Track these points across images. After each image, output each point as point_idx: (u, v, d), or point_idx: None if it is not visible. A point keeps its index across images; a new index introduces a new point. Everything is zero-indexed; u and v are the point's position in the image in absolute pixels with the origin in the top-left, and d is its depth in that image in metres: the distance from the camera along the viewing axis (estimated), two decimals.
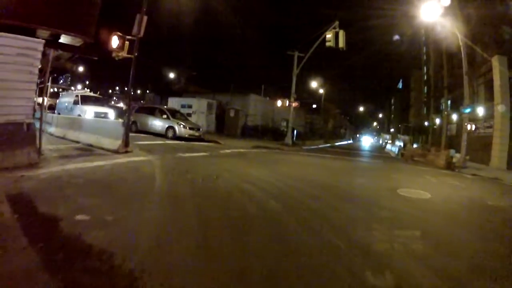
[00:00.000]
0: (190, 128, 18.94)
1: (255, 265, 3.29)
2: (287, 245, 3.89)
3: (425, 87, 50.47)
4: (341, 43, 21.50)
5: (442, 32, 27.51)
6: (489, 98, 27.42)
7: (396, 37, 44.20)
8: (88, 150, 9.66)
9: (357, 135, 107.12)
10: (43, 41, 7.16)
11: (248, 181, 7.75)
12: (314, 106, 53.76)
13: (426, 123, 48.13)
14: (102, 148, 10.04)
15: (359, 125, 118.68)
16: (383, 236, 4.62)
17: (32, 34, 7.63)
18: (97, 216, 4.20)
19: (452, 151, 23.64)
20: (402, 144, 39.14)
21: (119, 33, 9.72)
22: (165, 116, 19.26)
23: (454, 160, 20.88)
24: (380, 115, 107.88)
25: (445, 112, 36.67)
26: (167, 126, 18.83)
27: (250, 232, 4.25)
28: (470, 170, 18.71)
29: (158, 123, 19.15)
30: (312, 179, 9.25)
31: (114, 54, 9.82)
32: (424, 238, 4.74)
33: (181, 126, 18.55)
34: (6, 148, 6.27)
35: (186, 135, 18.45)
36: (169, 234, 3.96)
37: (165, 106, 23.01)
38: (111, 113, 18.93)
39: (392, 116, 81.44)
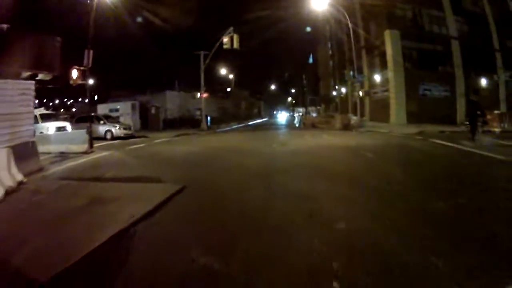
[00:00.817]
0: (124, 129, 22.57)
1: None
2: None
3: (331, 61, 56.32)
4: (236, 45, 26.55)
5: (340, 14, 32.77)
6: (385, 66, 32.51)
7: (308, 29, 50.35)
8: (64, 156, 12.03)
9: (274, 112, 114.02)
10: (34, 82, 10.78)
11: (178, 151, 13.81)
12: (229, 89, 57.62)
13: (334, 93, 54.17)
14: (74, 153, 12.58)
15: (274, 102, 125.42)
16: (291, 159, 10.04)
17: (17, 75, 11.21)
18: (111, 173, 8.67)
19: (350, 115, 28.75)
20: (301, 114, 44.90)
21: (76, 67, 13.35)
22: (102, 121, 22.53)
23: (352, 122, 25.86)
24: (293, 90, 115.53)
25: (349, 82, 42.75)
26: (106, 129, 22.06)
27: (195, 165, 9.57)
28: (366, 128, 23.96)
29: (98, 128, 21.96)
30: (218, 145, 15.81)
31: (72, 82, 13.38)
32: (306, 154, 10.32)
33: (117, 128, 22.13)
34: (22, 160, 8.22)
35: (122, 135, 22.19)
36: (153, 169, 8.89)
37: (99, 113, 26.31)
38: (68, 126, 21.16)
39: (305, 89, 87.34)
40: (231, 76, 50.13)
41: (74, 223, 4.50)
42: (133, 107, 30.25)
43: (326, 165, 9.04)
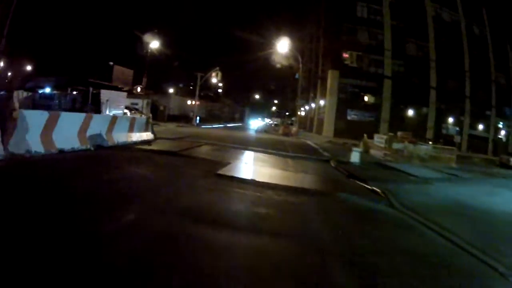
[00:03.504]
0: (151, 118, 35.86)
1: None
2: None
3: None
4: (219, 78, 40.00)
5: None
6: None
7: (296, 76, 64.53)
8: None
9: (248, 119, 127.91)
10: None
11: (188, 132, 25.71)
12: (220, 90, 70.64)
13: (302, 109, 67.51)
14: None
15: (259, 109, 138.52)
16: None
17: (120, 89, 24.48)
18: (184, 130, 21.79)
19: (291, 126, 42.52)
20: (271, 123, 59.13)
21: (139, 85, 26.70)
22: (133, 111, 35.45)
23: (292, 131, 39.20)
24: (276, 101, 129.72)
25: (298, 104, 56.99)
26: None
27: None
28: (299, 136, 36.94)
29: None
30: (200, 132, 27.33)
31: (135, 92, 26.62)
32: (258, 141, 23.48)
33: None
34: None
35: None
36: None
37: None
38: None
39: (287, 101, 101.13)
40: (220, 84, 63.78)
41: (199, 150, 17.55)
42: (147, 103, 43.00)
43: (245, 139, 22.18)
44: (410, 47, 49.58)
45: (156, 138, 14.57)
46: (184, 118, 47.65)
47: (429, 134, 46.89)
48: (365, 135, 24.84)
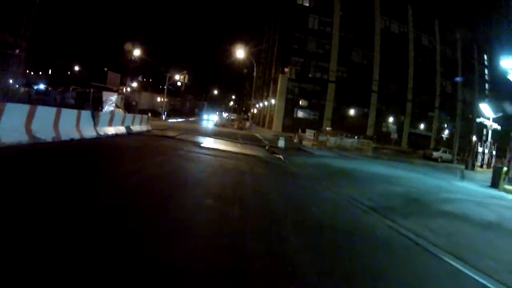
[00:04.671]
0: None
1: None
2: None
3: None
4: (186, 80, 46.99)
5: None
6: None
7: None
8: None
9: (207, 113, 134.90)
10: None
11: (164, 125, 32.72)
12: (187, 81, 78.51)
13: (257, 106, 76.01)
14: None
15: (217, 104, 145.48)
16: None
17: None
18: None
19: (245, 121, 50.40)
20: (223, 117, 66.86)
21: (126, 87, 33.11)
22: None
23: (246, 125, 47.44)
24: (233, 97, 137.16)
25: (252, 103, 65.09)
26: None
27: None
28: (253, 130, 44.33)
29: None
30: (172, 125, 34.71)
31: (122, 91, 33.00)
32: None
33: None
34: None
35: None
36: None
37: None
38: None
39: (245, 97, 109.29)
40: (181, 83, 70.41)
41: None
42: (121, 99, 49.31)
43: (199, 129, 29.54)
44: (355, 55, 57.97)
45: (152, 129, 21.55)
46: (153, 112, 54.16)
47: (369, 131, 55.68)
48: (299, 130, 32.92)
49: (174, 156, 11.35)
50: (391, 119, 60.22)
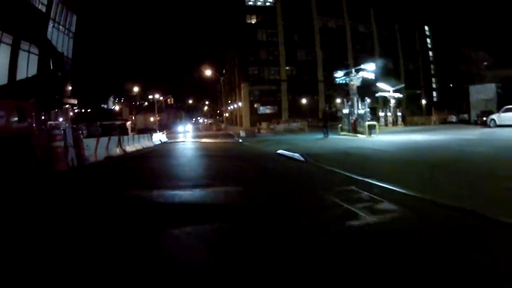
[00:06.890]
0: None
1: None
2: None
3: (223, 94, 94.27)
4: (172, 102, 61.48)
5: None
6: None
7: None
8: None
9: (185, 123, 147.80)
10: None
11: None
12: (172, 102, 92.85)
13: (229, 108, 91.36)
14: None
15: (193, 111, 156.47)
16: None
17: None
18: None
19: (221, 123, 65.54)
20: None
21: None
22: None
23: (222, 126, 62.70)
24: (207, 102, 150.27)
25: (224, 109, 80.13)
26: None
27: None
28: (228, 129, 59.27)
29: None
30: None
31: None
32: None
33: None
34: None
35: None
36: None
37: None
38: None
39: (220, 102, 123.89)
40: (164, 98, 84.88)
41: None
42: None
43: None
44: (300, 54, 71.88)
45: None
46: (148, 130, 68.52)
47: (320, 114, 70.58)
48: (260, 123, 48.06)
49: (184, 149, 26.21)
50: (338, 101, 74.64)
